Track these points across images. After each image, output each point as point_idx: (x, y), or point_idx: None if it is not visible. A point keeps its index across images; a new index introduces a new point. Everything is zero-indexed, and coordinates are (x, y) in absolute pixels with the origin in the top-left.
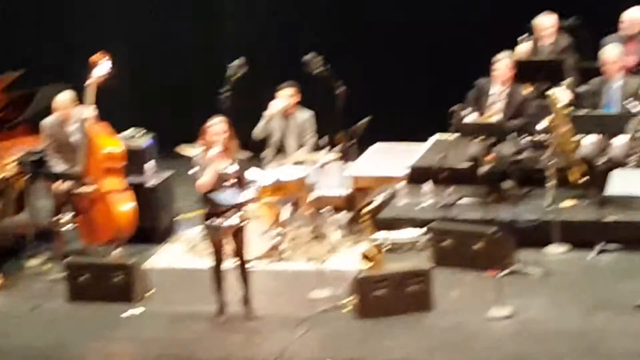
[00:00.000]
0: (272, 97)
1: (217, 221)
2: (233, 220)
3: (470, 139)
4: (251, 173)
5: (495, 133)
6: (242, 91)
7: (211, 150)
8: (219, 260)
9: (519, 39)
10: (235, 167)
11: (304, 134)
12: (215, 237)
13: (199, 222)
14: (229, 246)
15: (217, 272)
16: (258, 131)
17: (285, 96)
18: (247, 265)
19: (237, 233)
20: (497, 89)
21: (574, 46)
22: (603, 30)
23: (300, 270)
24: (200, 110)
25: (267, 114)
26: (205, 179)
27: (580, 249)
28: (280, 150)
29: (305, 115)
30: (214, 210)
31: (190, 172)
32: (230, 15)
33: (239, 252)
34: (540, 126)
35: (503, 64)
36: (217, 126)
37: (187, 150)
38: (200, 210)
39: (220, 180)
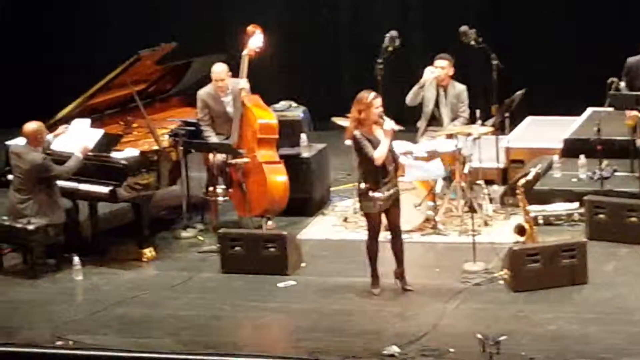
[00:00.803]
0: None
1: (375, 194)
2: (390, 192)
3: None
4: (406, 146)
5: None
6: (396, 63)
7: (387, 124)
8: (375, 232)
9: None
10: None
11: (458, 107)
12: (373, 210)
13: (352, 194)
14: (384, 219)
15: (372, 245)
16: (411, 96)
17: (440, 66)
18: (402, 238)
19: (393, 206)
20: None
21: None
22: None
23: (454, 242)
24: (350, 83)
25: (421, 80)
26: (383, 151)
27: None
28: (433, 121)
29: (460, 88)
30: (374, 183)
31: (347, 142)
32: None
33: (394, 225)
34: None
35: None
36: (378, 100)
37: (342, 120)
38: (356, 182)
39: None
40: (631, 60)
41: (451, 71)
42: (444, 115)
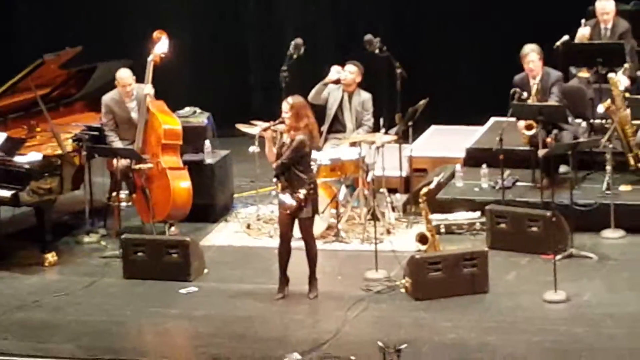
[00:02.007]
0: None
1: (280, 196)
2: (293, 198)
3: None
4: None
5: (552, 115)
6: (301, 70)
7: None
8: (282, 236)
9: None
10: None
11: (362, 115)
12: (279, 213)
13: (255, 201)
14: (295, 224)
15: (280, 248)
16: (313, 93)
17: (349, 71)
18: (313, 246)
19: (300, 212)
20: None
21: (632, 31)
22: None
23: (356, 250)
24: (255, 90)
25: (326, 78)
26: (267, 152)
27: (637, 234)
28: (336, 124)
29: (365, 96)
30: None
31: (251, 149)
32: None
33: (302, 232)
34: (599, 110)
35: (533, 57)
36: (283, 104)
37: (246, 128)
38: (257, 189)
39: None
40: (517, 78)
41: (359, 78)
42: (347, 121)
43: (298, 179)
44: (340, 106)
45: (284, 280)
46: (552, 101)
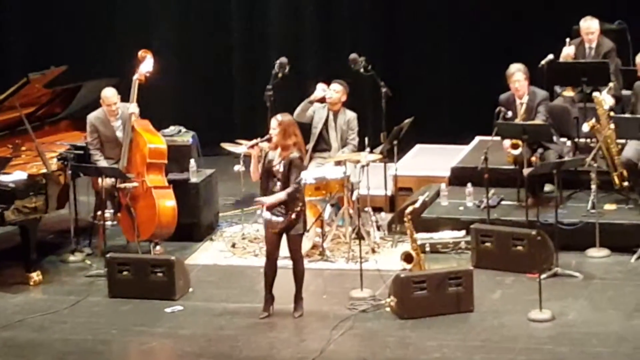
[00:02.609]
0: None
1: (267, 215)
2: (284, 216)
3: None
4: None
5: (537, 134)
6: (286, 89)
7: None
8: (268, 254)
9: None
10: (282, 165)
11: (348, 134)
12: (266, 232)
13: (240, 220)
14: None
15: (266, 267)
16: (298, 111)
17: (334, 89)
18: (300, 264)
19: (291, 229)
20: (518, 101)
21: (616, 50)
22: None
23: (341, 269)
24: (240, 109)
25: (312, 96)
26: (251, 169)
27: (622, 253)
28: (321, 143)
29: (350, 115)
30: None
31: (236, 168)
32: (274, 15)
33: (290, 250)
34: (584, 129)
35: (519, 77)
36: (272, 121)
37: (231, 146)
38: (242, 208)
39: (269, 175)
40: (502, 97)
41: (344, 97)
42: (332, 140)
43: (292, 197)
44: (325, 125)
45: (270, 299)
46: (539, 120)
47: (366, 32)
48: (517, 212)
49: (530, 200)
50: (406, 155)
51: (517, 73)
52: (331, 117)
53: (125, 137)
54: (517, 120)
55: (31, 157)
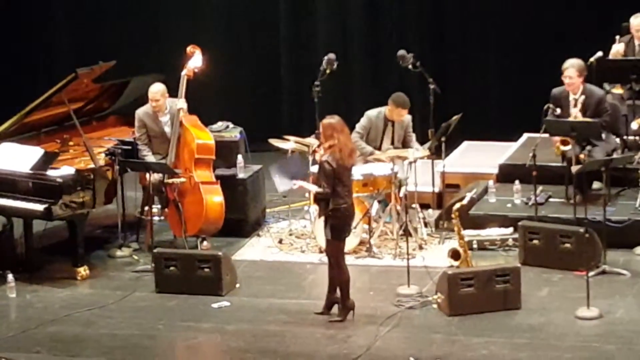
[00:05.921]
0: (362, 92)
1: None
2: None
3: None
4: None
5: (585, 131)
6: (333, 85)
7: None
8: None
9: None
10: (316, 167)
11: (408, 137)
12: None
13: (287, 215)
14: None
15: (329, 272)
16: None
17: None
18: (337, 271)
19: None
20: (572, 96)
21: None
22: None
23: (388, 265)
24: (287, 105)
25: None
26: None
27: None
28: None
29: (406, 118)
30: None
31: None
32: (321, 13)
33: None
34: (633, 126)
35: (570, 73)
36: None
37: (279, 142)
38: (289, 204)
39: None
40: (555, 91)
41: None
42: (384, 145)
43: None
44: (382, 136)
45: (329, 300)
46: (606, 117)
47: (413, 29)
48: (565, 209)
49: (579, 198)
50: (454, 152)
51: (569, 68)
52: (389, 126)
53: (173, 132)
54: (573, 116)
55: (79, 152)
